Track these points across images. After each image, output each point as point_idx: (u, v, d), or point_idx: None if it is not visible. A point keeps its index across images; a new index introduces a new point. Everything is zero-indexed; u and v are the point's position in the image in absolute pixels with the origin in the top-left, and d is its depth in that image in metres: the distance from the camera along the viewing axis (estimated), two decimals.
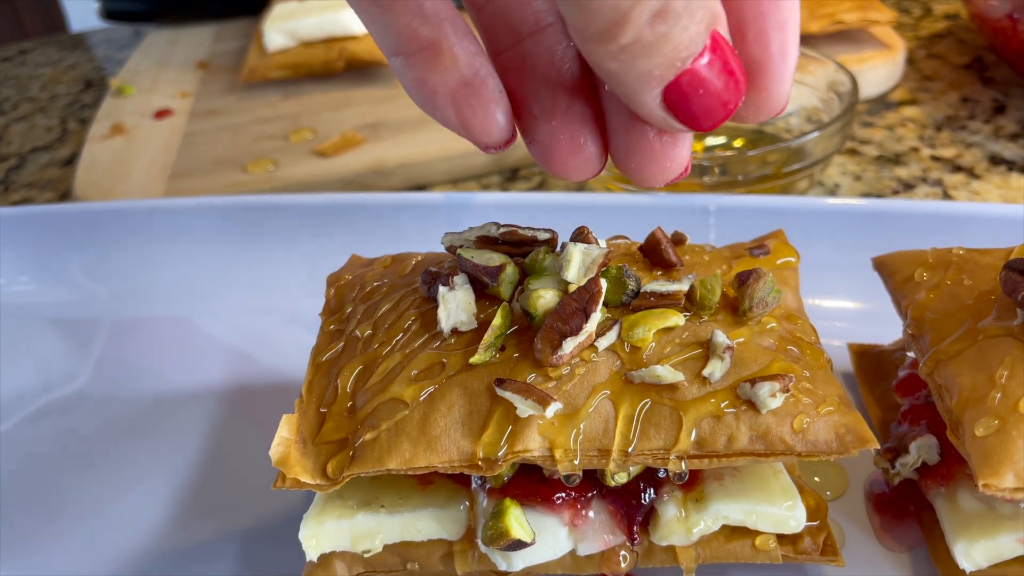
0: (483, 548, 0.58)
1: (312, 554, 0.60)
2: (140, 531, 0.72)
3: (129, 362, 0.92)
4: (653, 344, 0.57)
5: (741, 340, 0.58)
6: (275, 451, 0.57)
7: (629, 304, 0.59)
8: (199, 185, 1.15)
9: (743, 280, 0.60)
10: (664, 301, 0.58)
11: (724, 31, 0.41)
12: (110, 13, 1.71)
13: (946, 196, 1.02)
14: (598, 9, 0.37)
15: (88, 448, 0.81)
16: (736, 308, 0.60)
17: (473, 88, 0.45)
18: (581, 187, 1.12)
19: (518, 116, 0.47)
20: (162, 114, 1.33)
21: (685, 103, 0.41)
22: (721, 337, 0.56)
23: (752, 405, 0.55)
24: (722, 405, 0.55)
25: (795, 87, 1.08)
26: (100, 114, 1.35)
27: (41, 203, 1.23)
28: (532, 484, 0.58)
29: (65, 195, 1.24)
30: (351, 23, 1.35)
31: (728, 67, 0.41)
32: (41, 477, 0.79)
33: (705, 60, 0.40)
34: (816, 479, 0.69)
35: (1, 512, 0.75)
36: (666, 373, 0.55)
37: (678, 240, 0.69)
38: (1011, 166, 1.06)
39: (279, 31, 1.35)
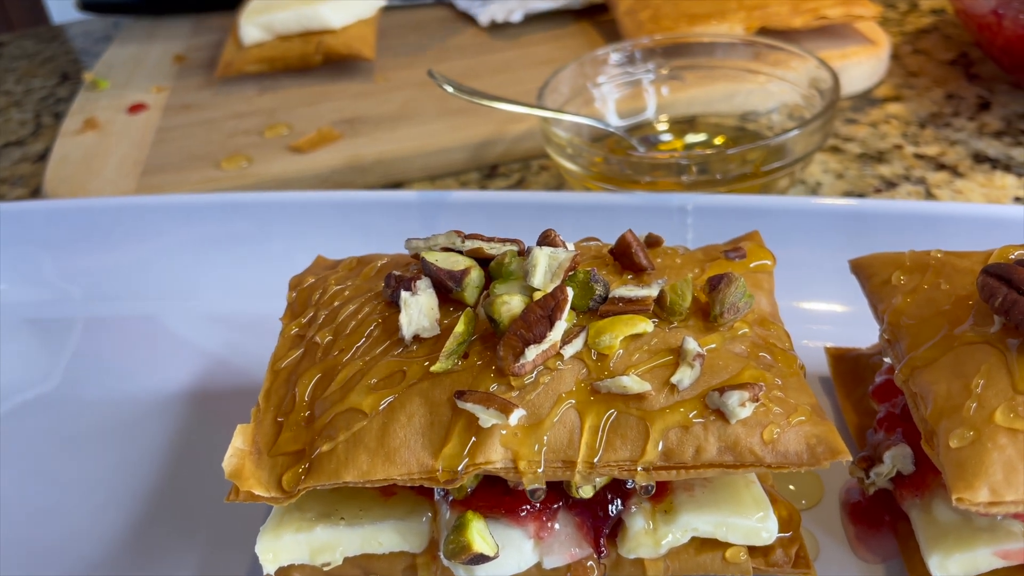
0: (445, 562, 0.57)
1: (270, 568, 0.58)
2: (100, 536, 0.71)
3: (100, 364, 0.90)
4: (621, 351, 0.55)
5: (712, 347, 0.57)
6: (228, 463, 0.55)
7: (597, 309, 0.58)
8: (172, 181, 1.13)
9: (714, 285, 0.58)
10: (633, 307, 0.56)
11: None
12: (86, 4, 1.68)
13: (929, 195, 1.01)
14: None
15: (55, 450, 0.79)
16: (707, 314, 0.59)
17: None
18: (559, 186, 1.10)
19: None
20: (136, 108, 1.31)
21: None
22: (692, 344, 0.55)
23: (721, 415, 0.53)
24: (690, 415, 0.53)
25: (776, 83, 1.07)
26: (73, 108, 1.33)
27: (12, 200, 1.21)
28: (496, 496, 0.57)
29: (37, 191, 1.21)
30: (328, 16, 1.32)
31: None
32: (4, 478, 0.77)
33: None
34: (791, 487, 0.67)
35: None
36: (632, 384, 0.53)
37: (654, 242, 0.67)
38: (995, 164, 1.04)
39: (255, 24, 1.32)
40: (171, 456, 0.77)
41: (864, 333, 0.77)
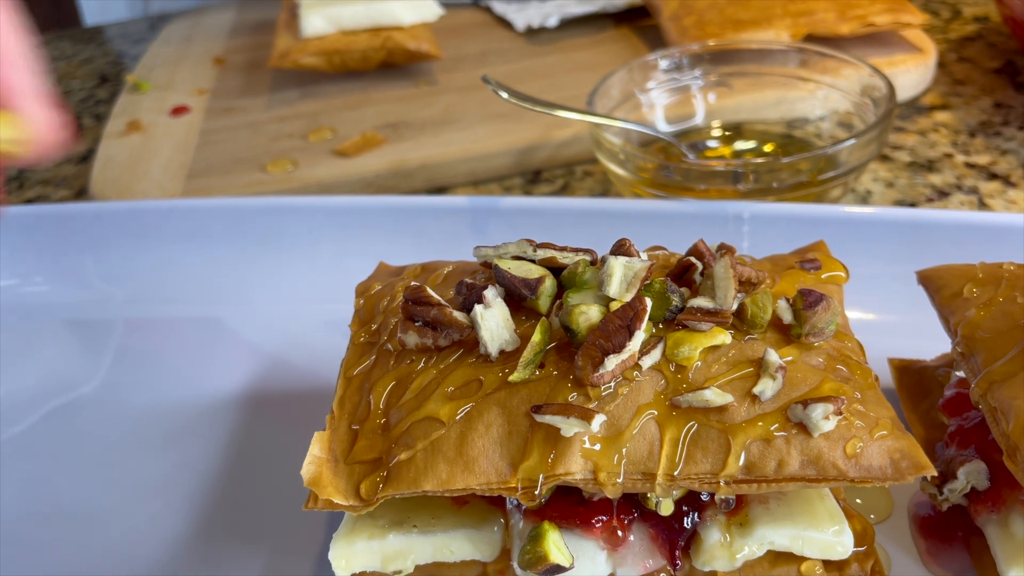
0: (519, 571, 0.56)
1: (342, 574, 0.58)
2: (160, 542, 0.70)
3: (144, 366, 0.90)
4: (699, 363, 0.55)
5: (790, 359, 0.56)
6: (307, 470, 0.55)
7: (673, 320, 0.57)
8: (218, 185, 1.13)
9: (810, 304, 0.57)
10: (712, 319, 0.56)
11: None
12: None
13: (982, 204, 1.00)
14: None
15: (104, 453, 0.79)
16: (783, 326, 0.58)
17: None
18: (604, 192, 1.10)
19: None
20: (179, 111, 1.31)
21: None
22: (774, 356, 0.54)
23: (803, 428, 0.53)
24: (772, 428, 0.53)
25: (827, 91, 1.06)
26: (116, 110, 1.33)
27: (56, 200, 1.21)
28: (571, 506, 0.56)
29: (80, 192, 1.22)
30: (399, 13, 1.31)
31: None
32: (57, 482, 0.77)
33: None
34: (859, 501, 0.66)
35: (17, 517, 0.73)
36: (715, 397, 0.53)
37: (726, 252, 0.66)
38: None
39: (321, 15, 1.30)
40: (226, 461, 0.77)
41: (920, 344, 0.77)
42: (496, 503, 0.59)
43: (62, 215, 1.03)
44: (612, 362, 0.53)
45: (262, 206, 0.98)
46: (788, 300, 0.58)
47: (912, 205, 1.01)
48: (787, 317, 0.57)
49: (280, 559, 0.67)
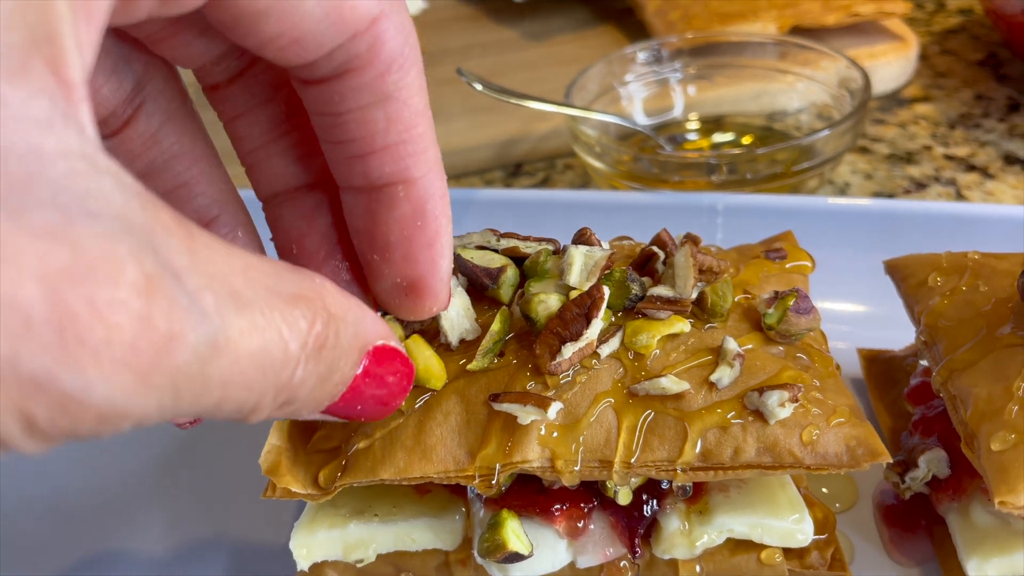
0: (479, 560, 0.57)
1: (303, 564, 0.58)
2: (127, 534, 0.71)
3: None
4: (657, 351, 0.55)
5: (750, 347, 0.56)
6: (265, 459, 0.55)
7: (633, 308, 0.57)
8: None
9: (799, 309, 0.56)
10: (671, 307, 0.56)
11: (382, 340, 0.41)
12: None
13: (959, 196, 1.00)
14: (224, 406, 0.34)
15: (70, 446, 0.79)
16: (752, 315, 0.58)
17: None
18: (584, 185, 1.10)
19: None
20: None
21: (348, 413, 0.42)
22: (732, 344, 0.54)
23: (760, 415, 0.53)
24: (728, 415, 0.53)
25: (805, 83, 1.06)
26: None
27: None
28: (530, 494, 0.56)
29: None
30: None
31: (383, 381, 0.41)
32: (25, 475, 0.77)
33: (358, 387, 0.40)
34: (824, 490, 0.67)
35: None
36: (671, 384, 0.53)
37: (688, 242, 0.66)
38: None
39: None
40: (195, 453, 0.77)
41: (891, 334, 0.77)
42: (458, 492, 0.59)
43: None
44: (569, 350, 0.53)
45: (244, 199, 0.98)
46: (777, 294, 0.57)
47: (890, 196, 1.01)
48: (763, 307, 0.57)
49: (246, 549, 0.68)
